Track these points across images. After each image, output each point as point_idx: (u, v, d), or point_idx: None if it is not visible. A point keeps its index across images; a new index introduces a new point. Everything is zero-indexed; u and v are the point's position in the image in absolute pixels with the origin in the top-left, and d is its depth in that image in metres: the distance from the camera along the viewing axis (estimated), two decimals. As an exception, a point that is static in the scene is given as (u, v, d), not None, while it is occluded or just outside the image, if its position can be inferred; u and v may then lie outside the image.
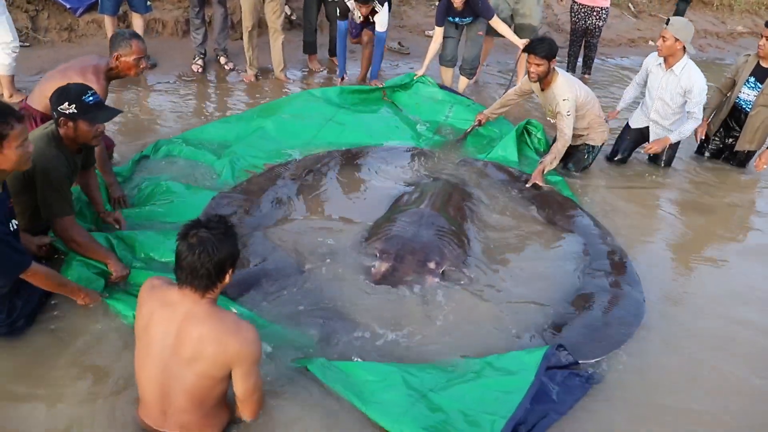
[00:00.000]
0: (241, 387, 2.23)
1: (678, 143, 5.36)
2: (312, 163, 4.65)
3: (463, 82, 6.45)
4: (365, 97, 5.75)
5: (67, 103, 3.00)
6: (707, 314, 3.51)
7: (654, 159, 5.48)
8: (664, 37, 4.85)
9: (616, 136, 5.61)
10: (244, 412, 2.34)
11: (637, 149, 5.56)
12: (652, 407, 2.80)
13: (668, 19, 4.94)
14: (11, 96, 5.36)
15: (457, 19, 5.92)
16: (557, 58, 4.60)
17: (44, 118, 3.75)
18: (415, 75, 5.90)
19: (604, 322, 3.22)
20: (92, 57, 3.93)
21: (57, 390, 2.56)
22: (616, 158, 5.49)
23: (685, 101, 5.00)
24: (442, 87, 6.01)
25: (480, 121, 5.27)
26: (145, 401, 2.31)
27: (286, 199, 4.10)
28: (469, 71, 6.36)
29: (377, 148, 5.07)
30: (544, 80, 4.62)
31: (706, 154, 5.76)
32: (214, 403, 2.26)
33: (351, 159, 4.86)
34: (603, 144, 5.11)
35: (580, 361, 2.85)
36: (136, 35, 3.84)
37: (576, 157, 5.08)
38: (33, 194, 3.01)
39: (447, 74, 6.46)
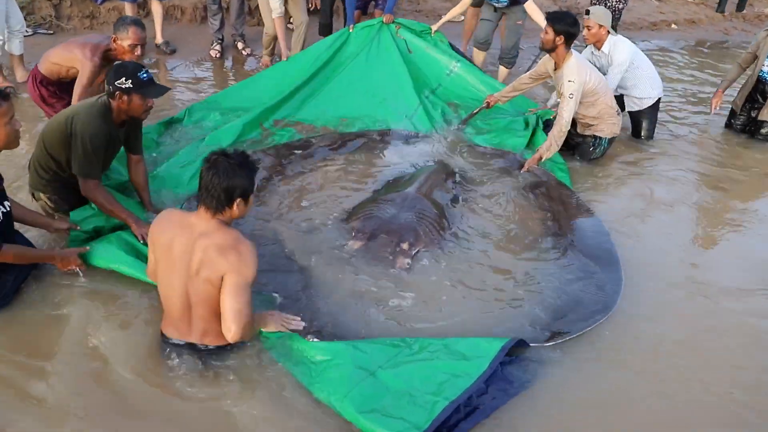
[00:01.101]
0: (228, 302, 2.43)
1: (656, 115, 5.59)
2: (311, 144, 4.86)
3: (502, 72, 6.42)
4: (376, 37, 5.77)
5: (124, 78, 3.23)
6: (701, 295, 3.60)
7: (636, 135, 5.66)
8: (588, 26, 5.11)
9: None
10: (228, 329, 2.45)
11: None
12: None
13: (587, 10, 5.21)
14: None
15: (494, 0, 5.95)
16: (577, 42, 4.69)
17: (43, 79, 4.28)
18: (432, 31, 5.90)
19: (575, 307, 3.30)
20: (98, 36, 4.26)
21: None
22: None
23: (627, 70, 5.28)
24: (455, 49, 6.00)
25: (488, 103, 5.21)
26: (171, 315, 2.65)
27: (276, 179, 4.32)
28: (508, 60, 6.35)
29: (379, 132, 5.20)
30: (557, 57, 4.59)
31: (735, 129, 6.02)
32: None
33: (350, 143, 5.00)
34: (614, 137, 5.06)
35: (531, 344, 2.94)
36: (137, 23, 4.05)
37: (582, 148, 5.08)
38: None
39: (479, 57, 6.45)
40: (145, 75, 3.30)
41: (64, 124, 3.28)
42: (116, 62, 3.61)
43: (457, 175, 4.57)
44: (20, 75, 5.67)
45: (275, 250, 3.49)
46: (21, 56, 5.63)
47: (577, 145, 5.09)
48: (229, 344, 2.64)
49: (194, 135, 4.76)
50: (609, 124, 4.92)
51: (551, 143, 4.57)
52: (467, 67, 5.83)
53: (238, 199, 2.46)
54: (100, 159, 3.34)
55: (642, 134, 5.61)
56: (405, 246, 3.51)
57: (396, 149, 5.02)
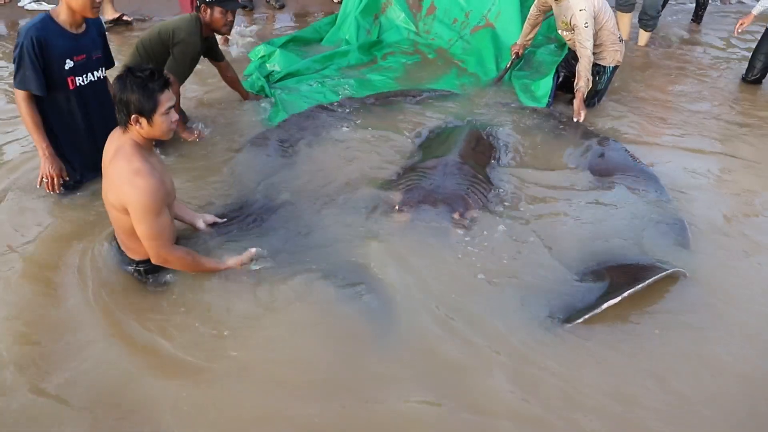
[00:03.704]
0: (137, 229, 2.55)
1: None
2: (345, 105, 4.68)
3: (643, 37, 6.19)
4: None
5: None
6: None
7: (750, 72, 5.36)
8: None
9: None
10: (148, 252, 2.63)
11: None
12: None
13: None
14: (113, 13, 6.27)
15: None
16: None
17: None
18: None
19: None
20: None
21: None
22: (749, 77, 5.38)
23: None
24: None
25: (517, 53, 5.10)
26: None
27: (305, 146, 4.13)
28: (646, 22, 6.08)
29: (411, 91, 4.99)
30: None
31: None
32: (131, 233, 2.62)
33: (382, 102, 4.80)
34: (617, 66, 4.77)
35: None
36: None
37: None
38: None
39: (623, 21, 6.14)
40: None
41: (167, 35, 3.84)
42: None
43: (489, 134, 4.29)
44: (109, 12, 6.16)
45: (317, 231, 3.22)
46: None
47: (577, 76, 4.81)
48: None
49: None
50: (611, 51, 4.68)
51: (585, 78, 4.44)
52: None
53: (135, 115, 2.46)
54: (187, 65, 3.92)
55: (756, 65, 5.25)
56: (456, 215, 3.22)
57: (427, 109, 4.76)
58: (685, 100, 5.17)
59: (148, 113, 2.47)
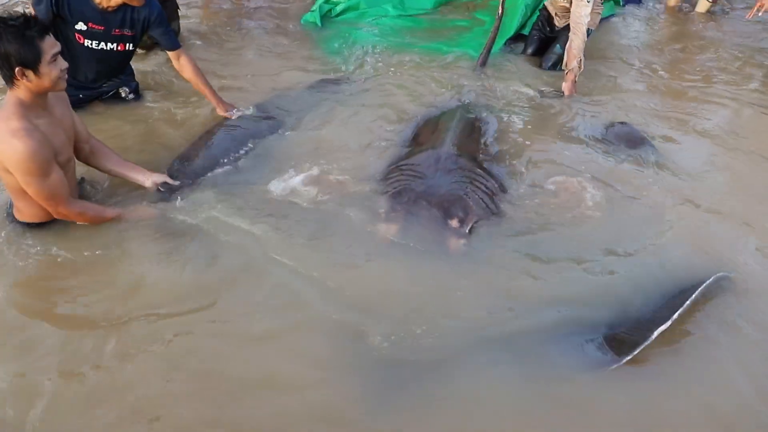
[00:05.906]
0: (28, 191, 2.42)
1: None
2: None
3: (702, 5, 6.10)
4: None
5: None
6: None
7: None
8: None
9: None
10: (48, 210, 2.53)
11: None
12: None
13: None
14: None
15: None
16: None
17: None
18: None
19: None
20: None
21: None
22: None
23: None
24: None
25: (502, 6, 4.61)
26: None
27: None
28: None
29: None
30: None
31: None
32: (19, 194, 2.48)
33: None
34: (594, 28, 4.37)
35: None
36: None
37: (564, 38, 4.32)
38: None
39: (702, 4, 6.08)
40: None
41: None
42: None
43: (483, 117, 3.72)
44: None
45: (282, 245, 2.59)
46: None
47: (557, 37, 4.61)
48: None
49: None
50: (594, 15, 4.29)
51: (578, 58, 4.07)
52: None
53: (19, 68, 2.27)
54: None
55: None
56: (455, 223, 2.61)
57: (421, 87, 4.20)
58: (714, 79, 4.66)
59: (33, 63, 2.29)
